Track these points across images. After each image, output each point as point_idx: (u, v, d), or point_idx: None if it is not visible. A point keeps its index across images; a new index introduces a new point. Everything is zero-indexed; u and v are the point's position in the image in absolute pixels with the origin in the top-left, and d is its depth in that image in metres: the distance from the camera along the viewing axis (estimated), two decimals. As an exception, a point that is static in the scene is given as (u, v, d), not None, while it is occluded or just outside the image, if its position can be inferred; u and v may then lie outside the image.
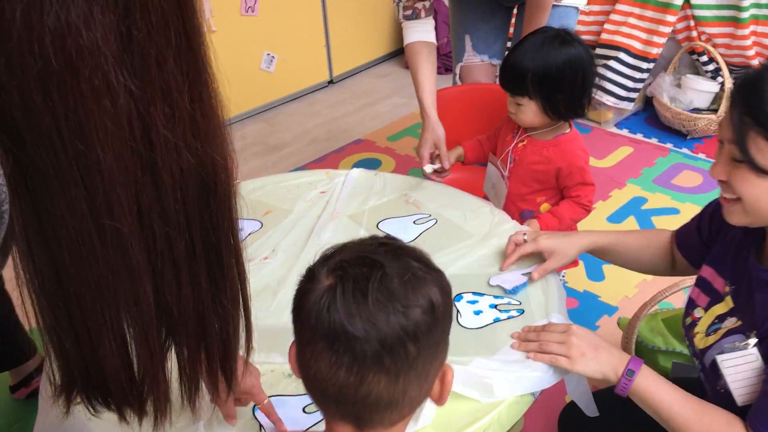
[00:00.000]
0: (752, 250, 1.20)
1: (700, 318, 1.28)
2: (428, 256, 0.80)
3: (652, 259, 1.44)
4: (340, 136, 3.58)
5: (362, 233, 1.56)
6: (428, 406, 1.13)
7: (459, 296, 1.37)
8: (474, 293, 1.37)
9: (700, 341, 1.23)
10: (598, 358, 1.15)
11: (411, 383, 0.73)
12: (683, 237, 1.40)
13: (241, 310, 0.76)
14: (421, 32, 1.90)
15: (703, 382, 1.24)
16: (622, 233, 1.47)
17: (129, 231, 0.60)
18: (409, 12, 1.88)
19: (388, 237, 0.81)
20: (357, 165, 3.23)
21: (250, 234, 1.58)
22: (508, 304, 1.35)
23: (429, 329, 0.73)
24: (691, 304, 1.33)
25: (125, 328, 0.64)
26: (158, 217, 0.62)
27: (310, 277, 0.76)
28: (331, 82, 4.16)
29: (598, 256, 1.46)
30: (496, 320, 1.31)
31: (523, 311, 1.32)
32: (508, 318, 1.31)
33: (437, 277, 0.77)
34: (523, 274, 1.40)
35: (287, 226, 1.60)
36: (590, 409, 1.34)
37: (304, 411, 1.13)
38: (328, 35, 4.01)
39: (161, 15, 0.57)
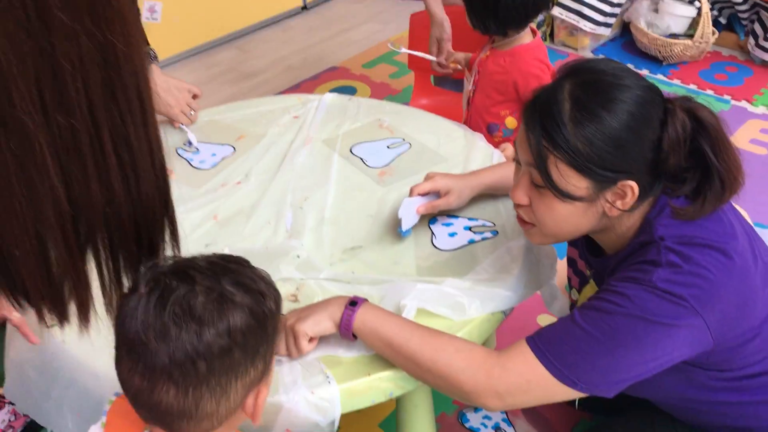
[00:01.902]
0: (583, 245, 1.19)
1: (576, 300, 1.28)
2: (261, 277, 0.80)
3: None
4: (314, 64, 3.52)
5: (336, 158, 1.55)
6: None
7: (433, 219, 1.38)
8: (449, 215, 1.38)
9: None
10: (315, 314, 1.06)
11: (203, 398, 0.75)
12: None
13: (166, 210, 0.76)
14: None
15: None
16: (507, 166, 1.40)
17: (32, 122, 0.58)
18: None
19: (225, 256, 0.81)
20: (332, 92, 3.18)
21: (223, 159, 1.57)
22: (483, 226, 1.36)
23: (223, 351, 0.74)
24: (569, 285, 1.32)
25: (38, 226, 0.63)
26: (59, 107, 0.60)
27: (133, 285, 0.76)
28: (304, 7, 4.05)
29: (492, 192, 1.40)
30: (471, 242, 1.32)
31: (497, 232, 1.33)
32: (483, 239, 1.32)
33: (250, 301, 0.77)
34: (417, 209, 1.31)
35: (260, 151, 1.59)
36: None
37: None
38: (301, -42, 3.89)
39: None
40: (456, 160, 1.54)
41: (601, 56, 3.38)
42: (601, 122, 0.98)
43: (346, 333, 1.06)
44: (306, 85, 3.31)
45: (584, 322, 1.01)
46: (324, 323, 1.06)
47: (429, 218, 1.37)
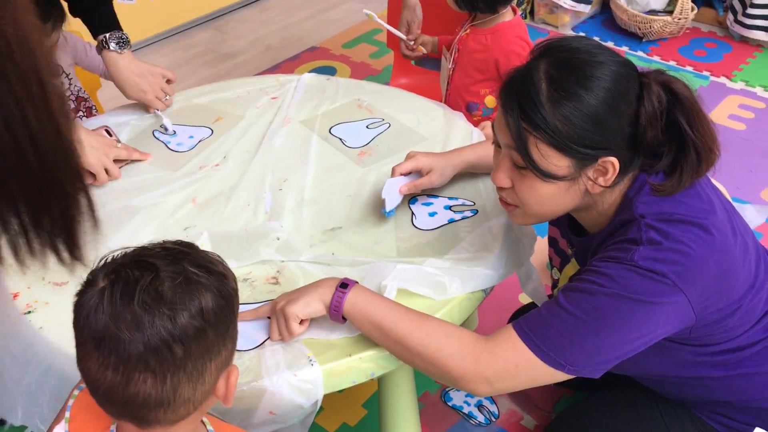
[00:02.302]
0: (566, 225, 1.20)
1: (558, 280, 1.29)
2: (217, 260, 0.81)
3: None
4: (294, 44, 3.48)
5: (314, 139, 1.54)
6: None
7: (413, 199, 1.37)
8: (429, 195, 1.38)
9: None
10: (306, 295, 1.06)
11: (181, 384, 0.74)
12: None
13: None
14: None
15: None
16: (487, 145, 1.35)
17: None
18: None
19: (178, 242, 0.81)
20: (311, 72, 3.15)
21: (200, 141, 1.55)
22: (463, 205, 1.35)
23: (198, 333, 0.74)
24: (550, 264, 1.33)
25: None
26: None
27: (89, 280, 0.76)
28: (283, -13, 4.01)
29: (473, 171, 1.39)
30: (451, 221, 1.32)
31: (477, 211, 1.33)
32: (463, 219, 1.32)
33: (216, 282, 0.77)
34: (400, 189, 1.31)
35: (238, 132, 1.57)
36: (542, 302, 1.38)
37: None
38: (279, -63, 3.84)
39: None
40: (435, 140, 1.53)
41: (574, 34, 3.38)
42: (578, 100, 0.97)
43: (335, 315, 1.06)
44: (285, 66, 3.28)
45: (569, 305, 1.01)
46: (314, 305, 1.06)
47: (409, 198, 1.37)
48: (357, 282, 1.08)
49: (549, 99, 0.98)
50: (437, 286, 1.14)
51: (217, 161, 1.48)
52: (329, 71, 3.19)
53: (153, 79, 1.60)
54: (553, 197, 1.04)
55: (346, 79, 1.79)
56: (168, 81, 1.63)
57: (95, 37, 1.58)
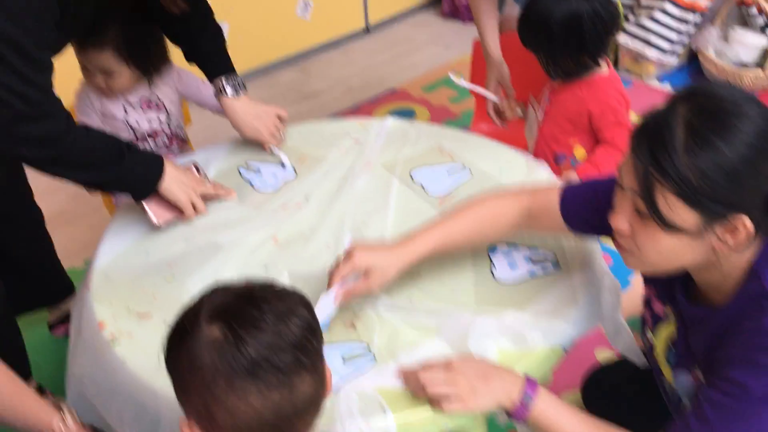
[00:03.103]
0: (678, 285, 1.10)
1: (654, 345, 1.20)
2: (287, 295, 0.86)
3: (505, 230, 1.27)
4: (374, 86, 3.54)
5: (395, 183, 1.55)
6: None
7: (494, 248, 1.36)
8: (508, 244, 1.36)
9: (667, 373, 1.16)
10: (491, 388, 1.04)
11: (320, 374, 0.83)
12: (575, 211, 1.22)
13: None
14: None
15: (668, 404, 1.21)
16: (448, 226, 1.24)
17: None
18: None
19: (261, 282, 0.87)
20: (391, 115, 3.18)
21: (285, 183, 1.58)
22: (543, 257, 1.33)
23: (313, 327, 0.83)
24: (643, 326, 1.24)
25: None
26: None
27: (184, 332, 0.80)
28: (366, 30, 4.09)
29: (435, 257, 1.26)
30: (532, 274, 1.29)
31: (559, 263, 1.31)
32: (544, 272, 1.29)
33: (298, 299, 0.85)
34: (335, 299, 1.16)
35: (320, 174, 1.59)
36: (637, 357, 1.32)
37: (342, 359, 1.13)
38: (365, -18, 3.93)
39: None
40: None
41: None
42: (716, 152, 0.90)
43: (517, 417, 1.05)
44: (365, 107, 3.33)
45: (719, 423, 0.97)
46: (491, 403, 1.05)
47: (488, 247, 1.35)
48: (537, 382, 1.06)
49: (684, 147, 0.90)
50: (517, 338, 1.12)
51: (299, 201, 1.50)
52: (408, 114, 3.22)
53: (268, 119, 1.68)
54: (674, 250, 0.97)
55: (428, 124, 1.80)
56: (280, 118, 1.69)
57: (211, 80, 1.66)
